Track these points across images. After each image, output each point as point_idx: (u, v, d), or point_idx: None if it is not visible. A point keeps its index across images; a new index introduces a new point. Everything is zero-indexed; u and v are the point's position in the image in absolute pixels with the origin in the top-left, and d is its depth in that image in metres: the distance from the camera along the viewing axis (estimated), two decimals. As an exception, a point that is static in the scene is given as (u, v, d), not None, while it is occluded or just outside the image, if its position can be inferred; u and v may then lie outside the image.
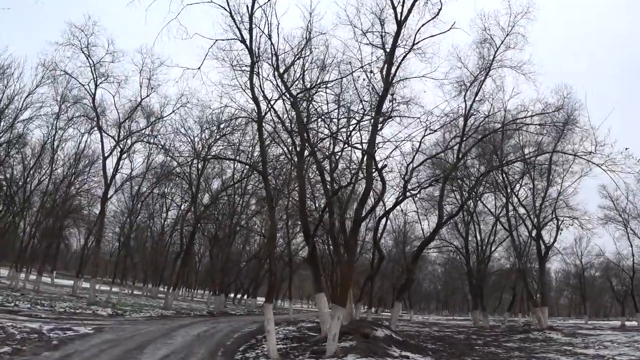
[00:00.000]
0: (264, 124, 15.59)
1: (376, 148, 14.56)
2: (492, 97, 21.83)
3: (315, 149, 16.42)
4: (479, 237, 42.42)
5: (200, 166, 31.65)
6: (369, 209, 14.36)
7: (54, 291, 35.19)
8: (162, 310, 28.60)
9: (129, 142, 31.36)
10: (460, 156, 21.25)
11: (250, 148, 28.86)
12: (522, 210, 35.46)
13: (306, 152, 16.54)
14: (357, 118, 17.05)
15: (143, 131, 30.70)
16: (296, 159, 16.57)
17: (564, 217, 34.92)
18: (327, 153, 19.29)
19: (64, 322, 16.36)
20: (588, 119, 20.90)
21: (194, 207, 32.86)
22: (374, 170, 13.59)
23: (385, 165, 15.44)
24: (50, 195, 38.53)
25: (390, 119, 14.87)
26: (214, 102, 28.80)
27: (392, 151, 18.88)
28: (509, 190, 33.06)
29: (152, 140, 29.94)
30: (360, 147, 17.84)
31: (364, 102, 16.47)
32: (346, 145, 18.58)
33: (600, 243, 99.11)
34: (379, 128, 14.13)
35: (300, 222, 17.80)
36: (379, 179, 15.64)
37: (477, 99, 21.35)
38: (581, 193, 54.89)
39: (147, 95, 29.20)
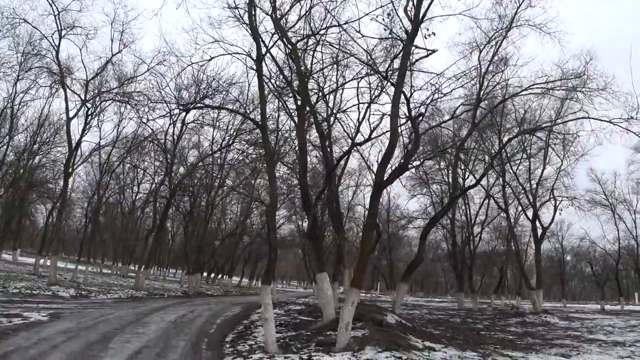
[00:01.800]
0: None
1: (411, 90, 12.06)
2: (510, 61, 19.36)
3: (316, 107, 13.85)
4: (466, 216, 40.83)
5: (176, 133, 28.66)
6: (395, 169, 11.83)
7: (14, 269, 31.96)
8: (133, 290, 25.87)
9: (99, 107, 28.12)
10: (476, 122, 18.81)
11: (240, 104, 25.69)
12: (511, 191, 33.93)
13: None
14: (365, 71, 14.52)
15: (113, 91, 27.00)
16: (296, 116, 14.01)
17: (563, 198, 33.48)
18: (328, 112, 16.82)
19: (14, 307, 13.62)
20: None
21: (169, 180, 29.84)
22: (405, 118, 11.17)
23: (422, 115, 12.91)
24: (11, 166, 35.23)
25: (431, 53, 12.28)
26: (199, 53, 25.15)
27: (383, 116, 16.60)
28: (506, 166, 31.17)
29: (123, 99, 26.09)
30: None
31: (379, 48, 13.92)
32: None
33: (578, 227, 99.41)
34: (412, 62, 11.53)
35: (300, 190, 15.18)
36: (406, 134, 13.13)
37: (494, 59, 18.95)
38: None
39: (119, 51, 25.48)
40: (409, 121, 11.74)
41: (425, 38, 11.82)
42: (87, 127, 27.23)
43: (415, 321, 20.52)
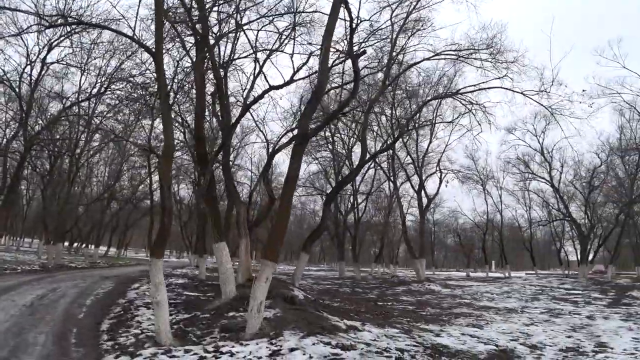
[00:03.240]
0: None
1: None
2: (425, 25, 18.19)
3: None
4: (352, 185, 40.49)
5: (34, 74, 23.82)
6: (327, 117, 9.84)
7: None
8: (-26, 264, 21.39)
9: None
10: (354, 93, 17.43)
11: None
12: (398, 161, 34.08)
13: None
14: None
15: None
16: (194, 51, 11.46)
17: (448, 171, 34.38)
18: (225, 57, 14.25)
19: None
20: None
21: (23, 132, 24.90)
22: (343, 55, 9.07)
23: (364, 52, 10.93)
24: None
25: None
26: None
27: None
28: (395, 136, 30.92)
29: None
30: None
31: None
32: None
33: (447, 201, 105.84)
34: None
35: (195, 142, 12.60)
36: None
37: (408, 19, 17.63)
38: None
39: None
40: (349, 59, 9.80)
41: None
42: None
43: (310, 293, 19.25)
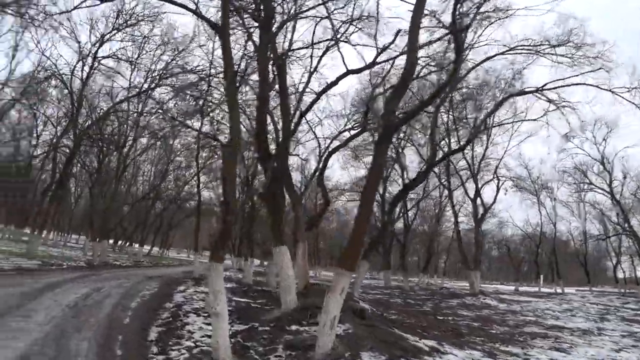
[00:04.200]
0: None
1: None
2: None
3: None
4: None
5: (86, 70, 23.44)
6: (417, 106, 8.58)
7: None
8: (24, 259, 20.87)
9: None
10: (455, 75, 15.87)
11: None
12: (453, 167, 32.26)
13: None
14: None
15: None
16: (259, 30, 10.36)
17: (506, 178, 32.50)
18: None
19: None
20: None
21: (74, 128, 24.58)
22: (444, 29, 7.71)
23: (468, 26, 9.47)
24: None
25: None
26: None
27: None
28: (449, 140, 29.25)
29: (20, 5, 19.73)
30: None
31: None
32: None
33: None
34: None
35: (255, 135, 11.40)
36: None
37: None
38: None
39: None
40: (450, 34, 8.36)
41: None
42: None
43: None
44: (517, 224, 51.61)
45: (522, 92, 18.10)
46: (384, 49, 12.71)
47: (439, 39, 12.42)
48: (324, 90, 13.63)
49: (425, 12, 8.62)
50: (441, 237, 51.36)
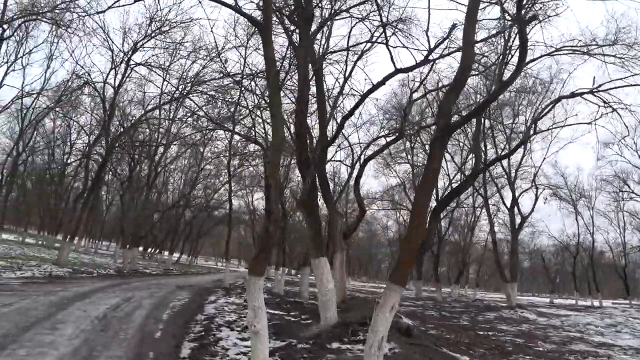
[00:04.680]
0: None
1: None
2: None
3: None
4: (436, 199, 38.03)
5: (118, 78, 23.41)
6: (482, 102, 7.93)
7: None
8: (54, 267, 20.80)
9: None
10: (519, 70, 14.91)
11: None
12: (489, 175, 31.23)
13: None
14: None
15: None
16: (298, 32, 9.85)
17: (545, 187, 31.33)
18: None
19: None
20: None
21: (106, 136, 24.58)
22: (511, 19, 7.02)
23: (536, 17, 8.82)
24: None
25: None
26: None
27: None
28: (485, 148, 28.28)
29: (55, 16, 19.63)
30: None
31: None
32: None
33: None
34: None
35: (296, 139, 10.80)
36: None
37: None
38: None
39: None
40: (516, 23, 7.64)
41: None
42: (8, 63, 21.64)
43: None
44: (552, 234, 49.87)
45: (575, 94, 17.16)
46: (437, 45, 12.03)
47: (497, 34, 11.69)
48: (370, 91, 13.02)
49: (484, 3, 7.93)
50: (473, 247, 50.18)
